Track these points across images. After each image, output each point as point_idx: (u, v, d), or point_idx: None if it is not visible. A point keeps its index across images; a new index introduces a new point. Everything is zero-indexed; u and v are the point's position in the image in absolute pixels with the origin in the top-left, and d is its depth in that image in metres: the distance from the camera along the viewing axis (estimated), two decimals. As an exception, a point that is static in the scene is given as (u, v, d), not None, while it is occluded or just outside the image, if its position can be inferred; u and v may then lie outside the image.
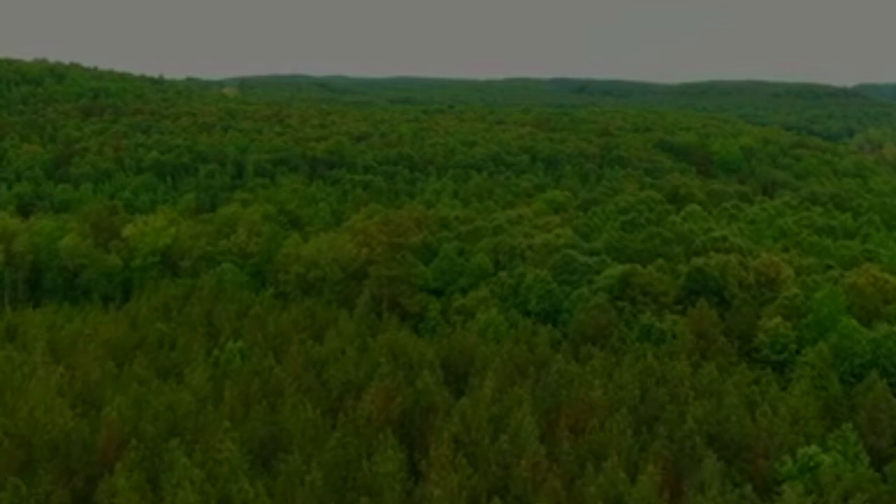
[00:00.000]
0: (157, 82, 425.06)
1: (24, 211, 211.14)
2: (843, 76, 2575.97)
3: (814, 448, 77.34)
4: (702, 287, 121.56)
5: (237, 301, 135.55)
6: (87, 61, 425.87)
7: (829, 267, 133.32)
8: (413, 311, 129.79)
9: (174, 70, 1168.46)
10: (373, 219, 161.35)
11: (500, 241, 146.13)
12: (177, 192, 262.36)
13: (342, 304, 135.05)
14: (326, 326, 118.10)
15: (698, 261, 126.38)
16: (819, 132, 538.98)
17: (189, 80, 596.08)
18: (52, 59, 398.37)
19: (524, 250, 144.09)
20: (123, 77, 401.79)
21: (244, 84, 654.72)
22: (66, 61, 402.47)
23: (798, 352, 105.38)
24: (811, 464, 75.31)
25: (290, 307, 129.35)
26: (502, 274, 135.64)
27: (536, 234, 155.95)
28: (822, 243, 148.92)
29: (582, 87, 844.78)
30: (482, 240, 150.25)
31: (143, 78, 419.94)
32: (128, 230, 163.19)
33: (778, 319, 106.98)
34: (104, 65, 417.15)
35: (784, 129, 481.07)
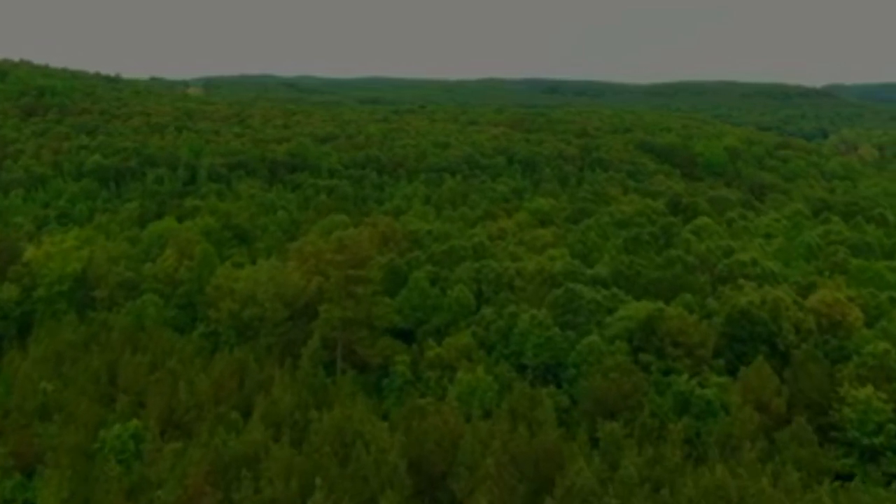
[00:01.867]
0: (113, 81, 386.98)
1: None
2: (812, 77, 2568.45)
3: None
4: (747, 334, 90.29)
5: (155, 347, 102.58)
6: (43, 60, 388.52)
7: None
8: (375, 363, 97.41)
9: (138, 69, 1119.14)
10: (333, 235, 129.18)
11: (483, 267, 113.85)
12: (120, 199, 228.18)
13: (287, 351, 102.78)
14: (259, 390, 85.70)
15: (739, 297, 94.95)
16: (793, 133, 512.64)
17: (153, 79, 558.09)
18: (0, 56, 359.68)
19: (512, 278, 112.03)
20: (75, 75, 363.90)
21: (210, 84, 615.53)
22: (16, 59, 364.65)
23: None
24: None
25: (217, 358, 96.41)
26: (487, 311, 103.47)
27: (525, 257, 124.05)
28: (870, 267, 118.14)
29: (554, 88, 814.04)
30: (460, 264, 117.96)
31: (97, 76, 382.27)
32: (29, 253, 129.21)
33: (869, 389, 75.78)
34: (66, 64, 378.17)
35: (759, 129, 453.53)
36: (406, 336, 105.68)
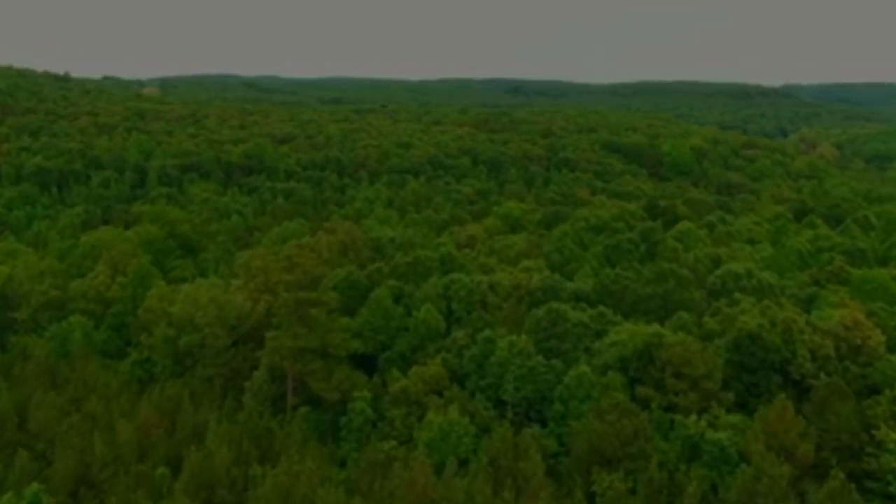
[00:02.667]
0: (62, 80, 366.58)
1: None
2: (769, 77, 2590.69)
3: None
4: (758, 362, 77.34)
5: (77, 380, 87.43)
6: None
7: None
8: (331, 398, 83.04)
9: (91, 69, 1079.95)
10: (287, 245, 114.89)
11: (453, 283, 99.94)
12: (63, 204, 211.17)
13: (229, 384, 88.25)
14: (192, 438, 71.20)
15: (743, 317, 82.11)
16: (754, 131, 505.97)
17: (106, 79, 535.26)
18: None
19: (485, 294, 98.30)
20: (22, 74, 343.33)
21: (166, 84, 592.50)
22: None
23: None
24: None
25: (147, 397, 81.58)
26: (459, 334, 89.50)
27: (498, 269, 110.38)
28: (873, 277, 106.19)
29: (517, 88, 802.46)
30: (427, 278, 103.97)
31: (45, 75, 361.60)
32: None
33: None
34: (12, 62, 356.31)
35: (721, 128, 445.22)
36: (367, 363, 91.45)
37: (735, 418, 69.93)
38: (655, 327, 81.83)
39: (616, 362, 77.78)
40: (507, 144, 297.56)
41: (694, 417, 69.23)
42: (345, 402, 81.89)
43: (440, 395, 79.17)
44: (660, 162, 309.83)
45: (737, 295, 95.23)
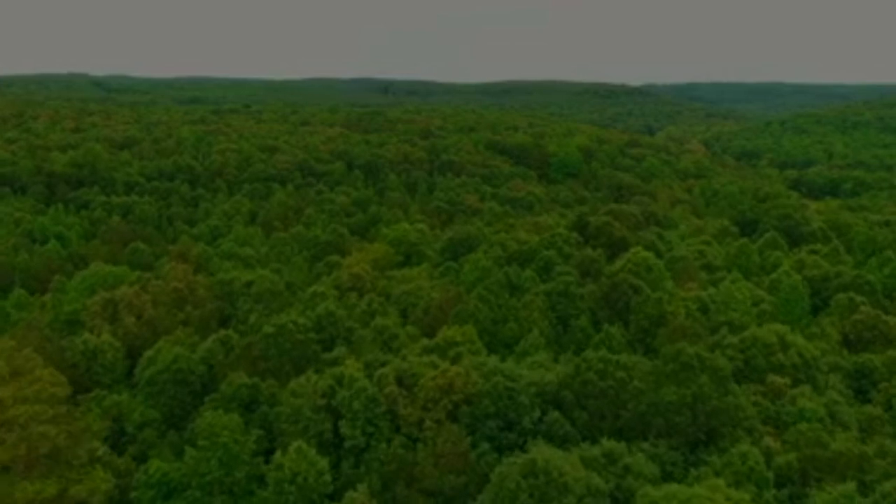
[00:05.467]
0: None
1: None
2: (628, 76, 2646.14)
3: None
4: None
5: None
6: None
7: None
8: None
9: None
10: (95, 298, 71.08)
11: (341, 383, 58.76)
12: None
13: None
14: None
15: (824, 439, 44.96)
16: (624, 129, 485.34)
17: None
18: None
19: (395, 402, 57.65)
20: None
21: (0, 82, 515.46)
22: None
23: None
24: None
25: None
26: (361, 491, 48.75)
27: (406, 340, 69.87)
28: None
29: (386, 87, 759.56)
30: (298, 367, 62.30)
31: None
32: None
33: None
34: None
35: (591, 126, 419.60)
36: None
37: None
38: (712, 480, 43.05)
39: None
40: (385, 146, 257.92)
41: None
42: None
43: None
44: (547, 163, 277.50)
45: (774, 379, 58.11)
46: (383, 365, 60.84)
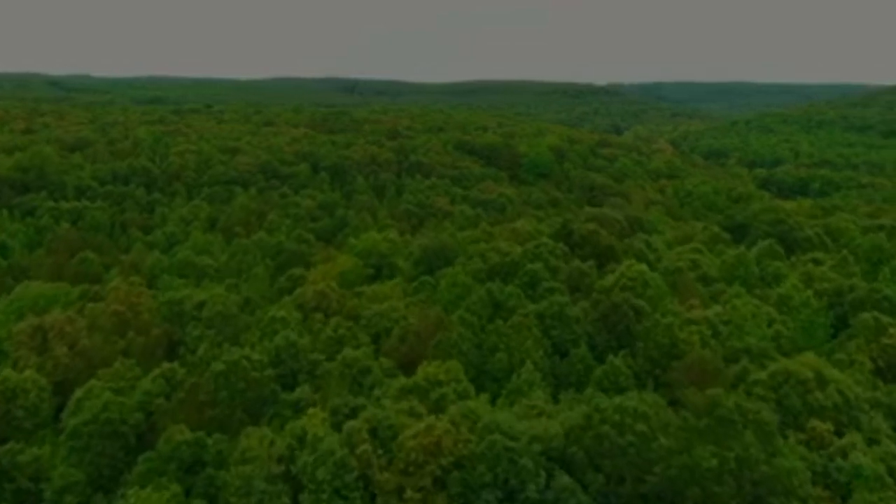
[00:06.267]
0: None
1: None
2: (594, 76, 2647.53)
3: None
4: None
5: None
6: None
7: None
8: None
9: None
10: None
11: (303, 441, 47.91)
12: None
13: None
14: None
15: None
16: (591, 129, 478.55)
17: None
18: None
19: (368, 465, 46.80)
20: None
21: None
22: None
23: None
24: None
25: None
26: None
27: (381, 377, 59.11)
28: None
29: (353, 87, 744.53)
30: (254, 415, 51.30)
31: None
32: None
33: None
34: None
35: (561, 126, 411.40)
36: None
37: None
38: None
39: None
40: (351, 147, 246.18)
41: None
42: None
43: None
44: (518, 163, 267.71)
45: (813, 423, 48.24)
46: (354, 412, 50.03)
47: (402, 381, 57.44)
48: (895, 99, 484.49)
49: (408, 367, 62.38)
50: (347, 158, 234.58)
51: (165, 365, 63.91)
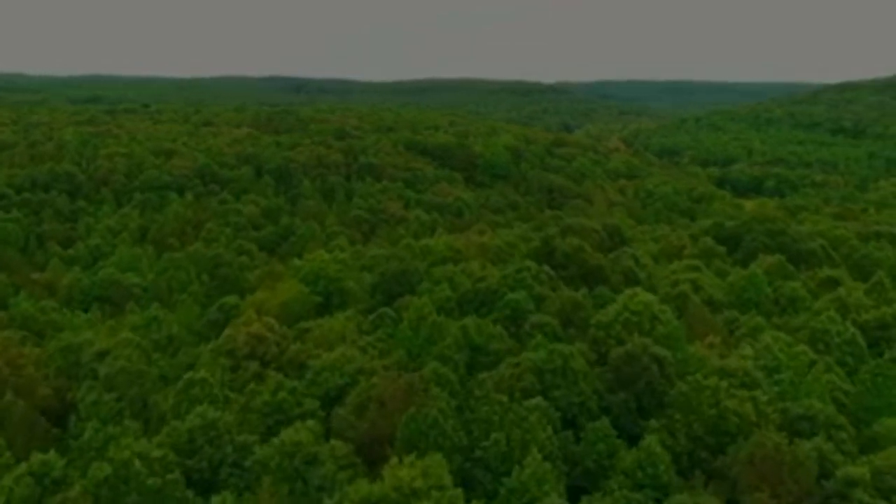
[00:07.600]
0: None
1: None
2: (541, 74, 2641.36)
3: None
4: None
5: None
6: None
7: None
8: None
9: None
10: None
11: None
12: None
13: None
14: None
15: None
16: (542, 127, 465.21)
17: None
18: None
19: None
20: None
21: None
22: None
23: None
24: None
25: None
26: None
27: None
28: None
29: (300, 86, 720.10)
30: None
31: None
32: None
33: None
34: None
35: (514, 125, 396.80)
36: None
37: None
38: None
39: None
40: (297, 149, 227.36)
41: None
42: None
43: None
44: (473, 164, 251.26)
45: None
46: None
47: (364, 487, 40.23)
48: (839, 97, 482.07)
49: (370, 453, 45.40)
50: (293, 160, 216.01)
51: (38, 456, 45.78)
